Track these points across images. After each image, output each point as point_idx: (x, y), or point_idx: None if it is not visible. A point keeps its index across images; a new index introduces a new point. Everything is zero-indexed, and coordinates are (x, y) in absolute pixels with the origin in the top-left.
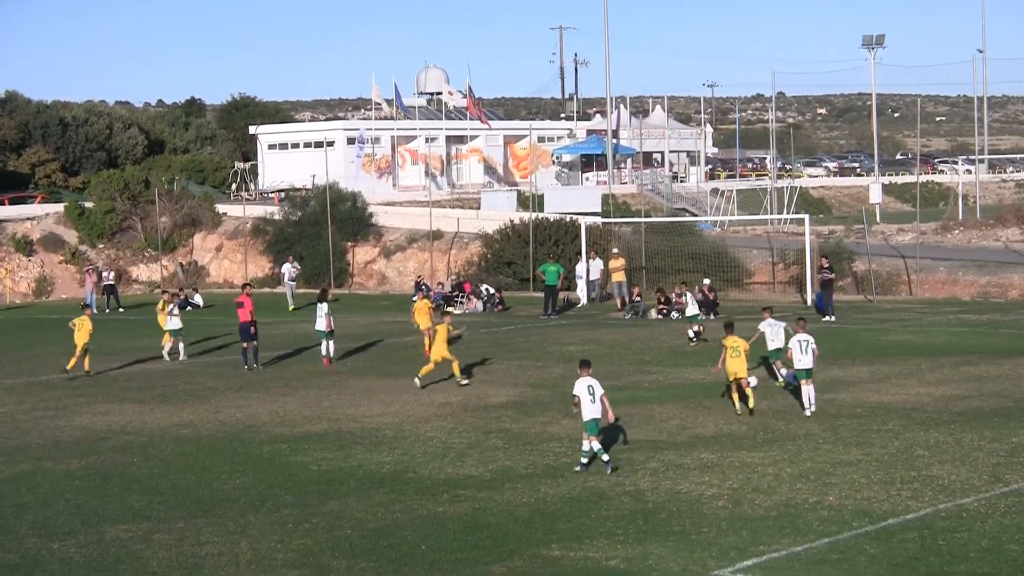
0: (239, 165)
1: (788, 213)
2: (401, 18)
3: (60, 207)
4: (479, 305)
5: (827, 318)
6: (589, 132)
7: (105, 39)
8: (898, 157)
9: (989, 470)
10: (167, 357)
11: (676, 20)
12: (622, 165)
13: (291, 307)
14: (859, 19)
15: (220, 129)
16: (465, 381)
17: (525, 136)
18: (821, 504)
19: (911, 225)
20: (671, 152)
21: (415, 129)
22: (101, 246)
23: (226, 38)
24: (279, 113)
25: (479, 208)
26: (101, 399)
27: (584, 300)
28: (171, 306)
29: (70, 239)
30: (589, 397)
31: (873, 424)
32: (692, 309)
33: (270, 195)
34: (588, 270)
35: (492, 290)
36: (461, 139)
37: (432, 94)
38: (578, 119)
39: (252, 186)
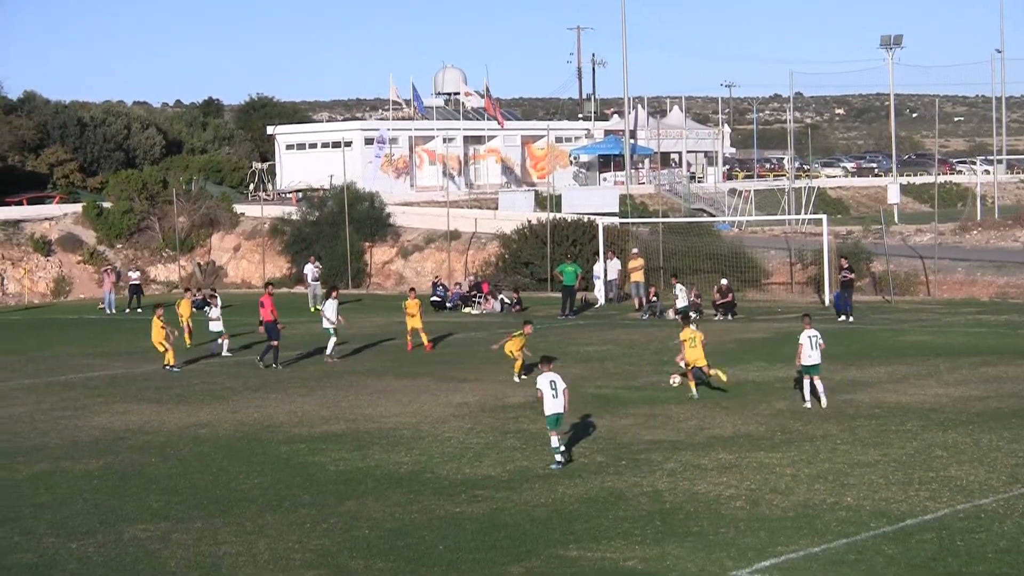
0: (257, 165)
1: (806, 213)
2: (419, 18)
3: (78, 207)
4: (496, 305)
5: (843, 318)
6: (607, 132)
7: (123, 39)
8: (913, 156)
9: (1008, 471)
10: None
11: (694, 20)
12: (640, 165)
13: (312, 307)
14: (877, 19)
15: (238, 129)
16: (520, 380)
17: (543, 136)
18: (839, 505)
19: (929, 226)
20: (689, 152)
21: (433, 129)
22: (119, 246)
23: (244, 38)
24: (297, 113)
25: (497, 208)
26: (119, 399)
27: (602, 300)
28: (211, 308)
29: (88, 239)
30: (551, 392)
31: (891, 425)
32: (682, 301)
33: (288, 195)
34: (606, 270)
35: (508, 301)
36: (479, 139)
37: (450, 94)
38: (596, 119)
39: (270, 186)
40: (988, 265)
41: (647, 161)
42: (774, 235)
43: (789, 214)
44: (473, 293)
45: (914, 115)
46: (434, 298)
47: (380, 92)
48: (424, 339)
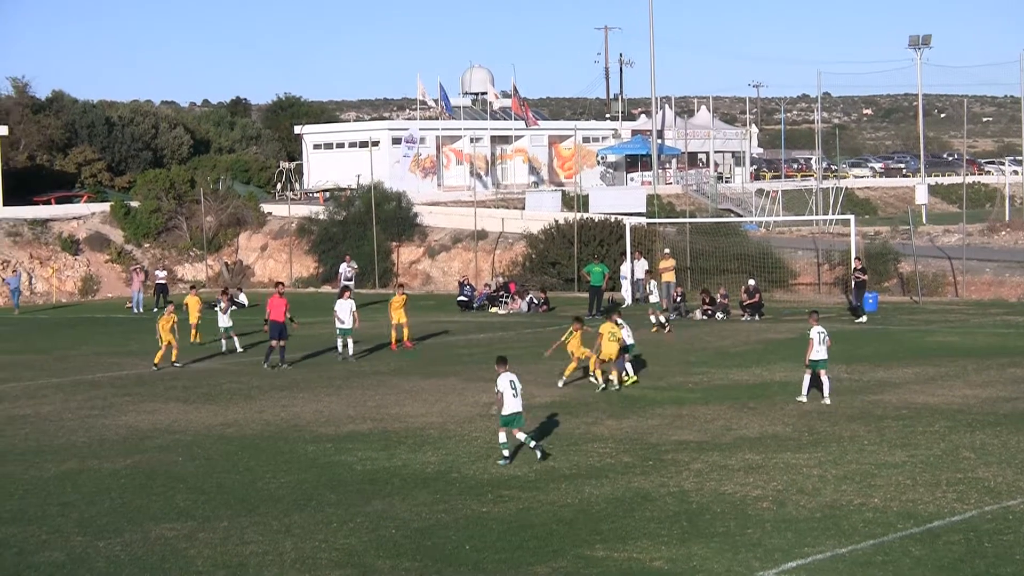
0: (284, 165)
1: (833, 214)
2: (446, 18)
3: (106, 206)
4: (523, 305)
5: (862, 318)
6: (634, 132)
7: (151, 39)
8: (952, 155)
9: None
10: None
11: (722, 20)
12: (667, 165)
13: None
14: (905, 19)
15: (265, 129)
16: (562, 384)
17: (570, 136)
18: (866, 506)
19: (957, 226)
20: (716, 152)
21: (460, 129)
22: (147, 245)
23: (272, 38)
24: (324, 113)
25: (524, 208)
26: (147, 398)
27: (629, 300)
28: (221, 304)
29: (116, 238)
30: (512, 391)
31: (918, 426)
32: (654, 297)
33: (315, 195)
34: (633, 270)
35: (536, 301)
36: (506, 139)
37: (477, 94)
38: (623, 119)
39: (297, 186)
40: (1016, 266)
41: (674, 161)
42: (801, 235)
43: (817, 214)
44: (500, 293)
45: (942, 115)
46: (461, 298)
47: (407, 92)
48: (406, 335)
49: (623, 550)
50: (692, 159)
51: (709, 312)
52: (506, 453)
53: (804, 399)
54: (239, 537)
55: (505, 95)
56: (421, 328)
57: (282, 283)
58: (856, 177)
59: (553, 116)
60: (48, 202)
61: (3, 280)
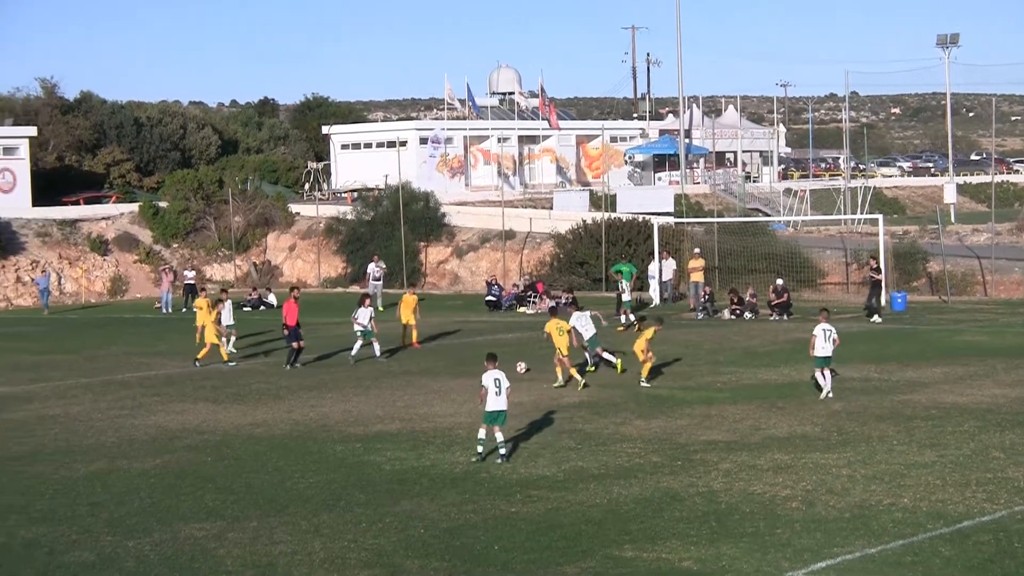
0: (312, 165)
1: (862, 213)
2: (473, 18)
3: (135, 207)
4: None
5: (876, 318)
6: (661, 132)
7: (179, 40)
8: (972, 157)
9: None
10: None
11: (749, 20)
12: (695, 165)
13: (379, 307)
14: (933, 18)
15: (293, 129)
16: (647, 385)
17: (597, 136)
18: (895, 506)
19: (986, 225)
20: (744, 152)
21: (487, 129)
22: (175, 246)
23: (300, 39)
24: (352, 113)
25: (551, 208)
26: (176, 398)
27: (657, 300)
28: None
29: (144, 239)
30: (495, 389)
31: (948, 425)
32: (627, 296)
33: (343, 195)
34: (661, 270)
35: (564, 301)
36: (533, 139)
37: (504, 94)
38: (650, 119)
39: (325, 186)
40: None
41: (702, 161)
42: (830, 235)
43: (845, 214)
44: (528, 293)
45: (971, 114)
46: (489, 298)
47: (435, 92)
48: (414, 336)
49: (652, 550)
50: (720, 159)
51: (737, 312)
52: (480, 449)
53: (830, 395)
54: (268, 537)
55: (533, 95)
56: (441, 327)
57: (297, 287)
58: (884, 176)
59: (581, 116)
60: (77, 202)
61: (32, 280)
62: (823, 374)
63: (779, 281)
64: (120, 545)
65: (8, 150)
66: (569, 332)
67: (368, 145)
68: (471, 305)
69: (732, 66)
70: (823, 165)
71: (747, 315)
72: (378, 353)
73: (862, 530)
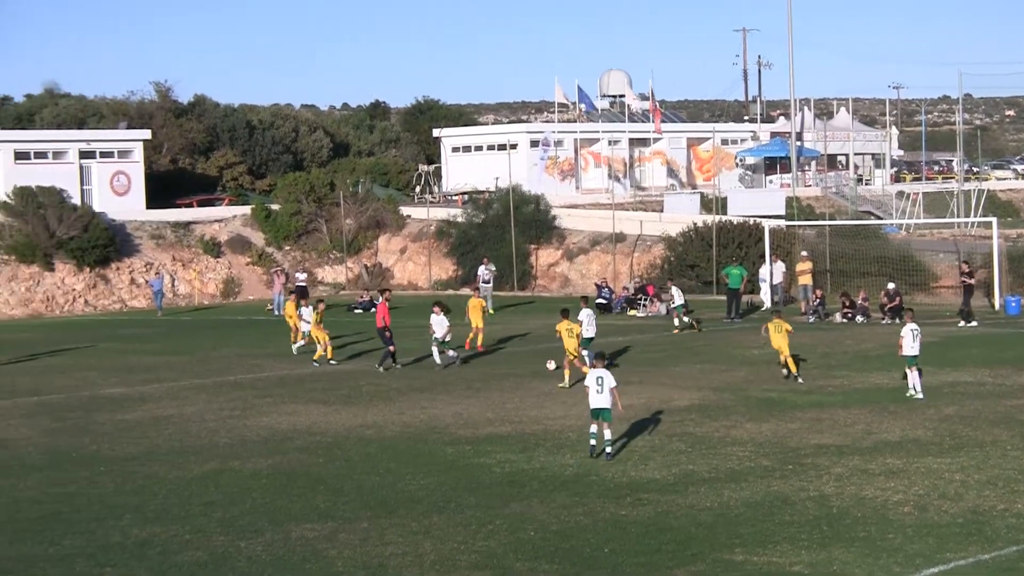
0: (423, 168)
1: (975, 216)
2: (584, 20)
3: (247, 209)
4: (662, 308)
5: (970, 322)
6: (773, 134)
7: (292, 43)
8: None
9: None
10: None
11: (861, 21)
12: (806, 167)
13: (490, 310)
14: None
15: (404, 132)
16: (802, 381)
17: (708, 139)
18: (1010, 511)
19: None
20: (856, 155)
21: (598, 132)
22: (287, 248)
23: (411, 42)
24: (462, 116)
25: (662, 211)
26: (287, 400)
27: (767, 303)
28: (303, 308)
29: (257, 241)
30: (596, 388)
31: None
32: (678, 299)
33: (453, 197)
34: (771, 273)
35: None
36: (644, 142)
37: (615, 96)
38: (761, 121)
39: (436, 188)
40: None
41: (813, 163)
42: (942, 238)
43: (958, 217)
44: (638, 296)
45: None
46: (599, 300)
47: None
48: (479, 340)
49: (762, 554)
50: (831, 161)
51: (849, 315)
52: (592, 442)
53: (920, 396)
54: (379, 538)
55: (643, 97)
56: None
57: (388, 289)
58: (998, 179)
59: (691, 118)
60: (190, 205)
61: (146, 282)
62: (914, 372)
63: (891, 285)
64: (232, 545)
65: (123, 153)
66: (579, 334)
67: (479, 148)
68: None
69: (844, 68)
70: (936, 168)
71: (859, 318)
72: (439, 362)
73: (975, 536)
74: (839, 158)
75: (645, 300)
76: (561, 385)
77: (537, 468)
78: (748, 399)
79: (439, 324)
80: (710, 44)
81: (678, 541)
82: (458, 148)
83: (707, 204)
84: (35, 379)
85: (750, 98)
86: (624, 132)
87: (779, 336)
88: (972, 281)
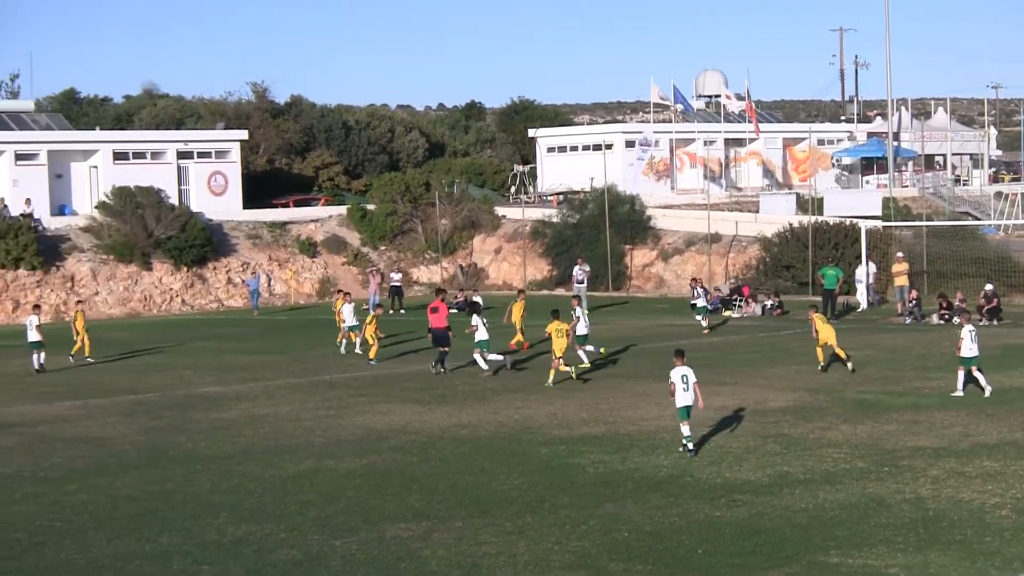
0: (518, 168)
1: None
2: (679, 20)
3: (343, 209)
4: (757, 309)
5: None
6: (869, 135)
7: (389, 44)
8: None
9: None
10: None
11: (959, 20)
12: (903, 168)
13: (586, 310)
14: None
15: (499, 132)
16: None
17: (804, 139)
18: None
19: None
20: (953, 155)
21: (694, 132)
22: (382, 248)
23: (506, 42)
24: (558, 116)
25: (757, 211)
26: (381, 399)
27: (864, 304)
28: (344, 305)
29: (352, 241)
30: (683, 385)
31: None
32: (701, 301)
33: (548, 198)
34: (868, 274)
35: (770, 304)
36: (740, 142)
37: (710, 97)
38: (858, 121)
39: (531, 189)
40: None
41: (910, 164)
42: None
43: None
44: (733, 297)
45: None
46: (694, 301)
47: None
48: (520, 337)
49: (858, 556)
50: (929, 161)
51: (946, 317)
52: (690, 446)
53: (960, 394)
54: (473, 538)
55: (739, 97)
56: (647, 331)
57: (444, 289)
58: None
59: (787, 118)
60: (286, 205)
61: (243, 282)
62: (975, 373)
63: (989, 286)
64: (327, 544)
65: (220, 153)
66: (568, 334)
67: (574, 148)
68: (677, 308)
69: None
70: None
71: (956, 320)
72: (484, 367)
73: None
74: (936, 158)
75: (740, 301)
76: (545, 385)
77: (631, 469)
78: (843, 400)
79: (482, 328)
80: (806, 44)
81: (772, 543)
82: (553, 148)
83: (803, 204)
84: (132, 378)
85: (847, 98)
86: (720, 132)
87: (826, 327)
88: None
